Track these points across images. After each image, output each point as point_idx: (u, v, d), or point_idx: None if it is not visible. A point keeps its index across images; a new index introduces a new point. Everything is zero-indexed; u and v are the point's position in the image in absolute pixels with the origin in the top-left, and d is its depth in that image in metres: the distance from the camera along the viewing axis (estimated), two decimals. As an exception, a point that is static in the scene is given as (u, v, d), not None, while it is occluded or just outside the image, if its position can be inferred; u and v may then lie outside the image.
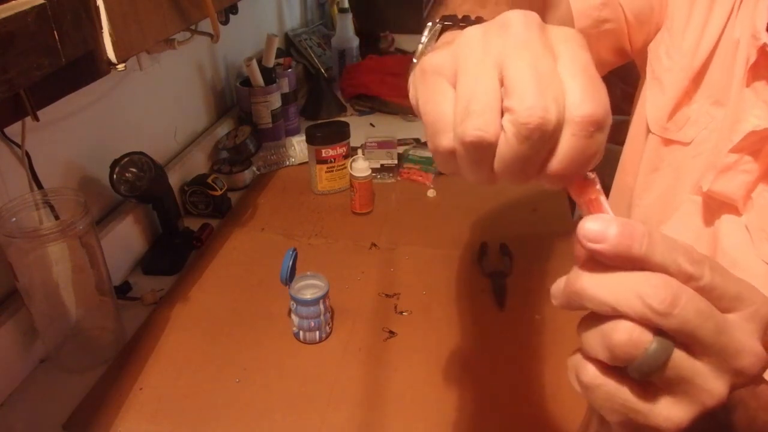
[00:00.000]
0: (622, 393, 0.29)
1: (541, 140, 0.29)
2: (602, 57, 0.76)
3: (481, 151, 0.30)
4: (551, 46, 0.30)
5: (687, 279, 0.28)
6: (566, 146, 0.29)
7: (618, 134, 0.85)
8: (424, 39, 0.42)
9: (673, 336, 0.27)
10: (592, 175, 0.31)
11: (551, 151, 0.30)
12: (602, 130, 0.29)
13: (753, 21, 0.61)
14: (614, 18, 0.72)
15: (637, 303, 0.27)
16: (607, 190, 0.88)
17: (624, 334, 0.27)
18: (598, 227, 0.28)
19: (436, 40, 0.42)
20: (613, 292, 0.28)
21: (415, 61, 0.42)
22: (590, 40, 0.77)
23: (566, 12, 0.71)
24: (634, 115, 0.80)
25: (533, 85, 0.28)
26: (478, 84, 0.29)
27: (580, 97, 0.29)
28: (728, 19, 0.66)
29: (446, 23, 0.42)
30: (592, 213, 0.31)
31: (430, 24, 0.43)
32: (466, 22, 0.42)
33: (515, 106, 0.28)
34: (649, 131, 0.75)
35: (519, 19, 0.30)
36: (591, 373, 0.29)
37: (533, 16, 0.31)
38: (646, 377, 0.28)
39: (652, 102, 0.73)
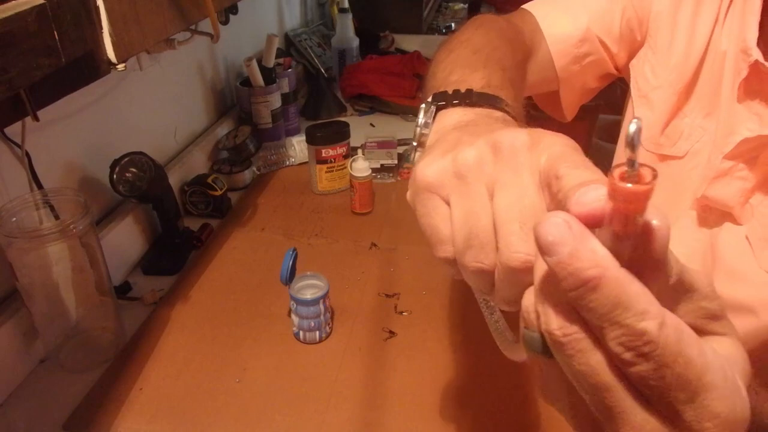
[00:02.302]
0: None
1: (529, 276, 0.29)
2: (588, 86, 0.77)
3: (482, 275, 0.32)
4: (539, 164, 0.30)
5: (610, 355, 0.24)
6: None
7: (616, 133, 0.85)
8: (420, 120, 0.43)
9: None
10: None
11: None
12: None
13: (742, 35, 0.61)
14: (594, 51, 0.72)
15: (540, 305, 0.26)
16: None
17: (526, 303, 0.28)
18: (553, 236, 0.24)
19: (433, 120, 0.43)
20: (538, 278, 0.26)
21: (414, 144, 0.42)
22: (574, 75, 0.78)
23: (546, 53, 0.72)
24: (622, 130, 0.80)
25: (517, 229, 0.29)
26: (477, 220, 0.31)
27: None
28: (713, 29, 0.66)
29: (440, 103, 0.43)
30: None
31: (423, 105, 0.43)
32: (458, 98, 0.43)
33: (501, 249, 0.30)
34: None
35: (508, 143, 0.31)
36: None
37: (520, 137, 0.31)
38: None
39: (642, 121, 0.73)
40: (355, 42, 1.79)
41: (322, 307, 0.82)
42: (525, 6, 0.74)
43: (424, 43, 1.89)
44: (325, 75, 1.73)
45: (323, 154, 1.19)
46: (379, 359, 0.81)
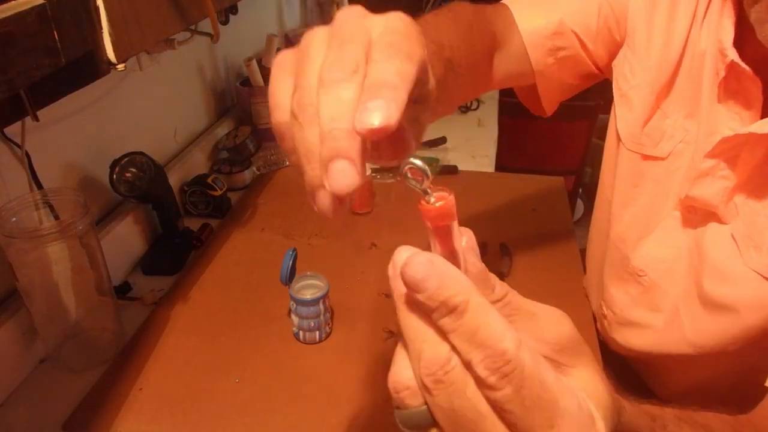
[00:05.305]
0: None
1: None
2: (567, 81, 0.77)
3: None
4: (369, 35, 0.30)
5: (479, 381, 0.25)
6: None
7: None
8: None
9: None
10: (448, 196, 0.28)
11: None
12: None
13: (719, 36, 0.62)
14: (569, 45, 0.72)
15: (416, 359, 0.26)
16: (594, 186, 0.88)
17: (394, 386, 0.27)
18: (420, 275, 0.25)
19: None
20: (412, 333, 0.27)
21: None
22: (549, 69, 0.79)
23: (519, 45, 0.72)
24: (608, 130, 0.80)
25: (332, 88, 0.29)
26: (306, 80, 0.30)
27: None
28: (690, 29, 0.66)
29: None
30: (438, 243, 0.29)
31: None
32: None
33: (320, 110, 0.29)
34: (620, 146, 0.75)
35: (342, 14, 0.31)
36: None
37: (356, 9, 0.31)
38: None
39: (622, 120, 0.73)
40: (355, 42, 1.78)
41: (322, 307, 0.82)
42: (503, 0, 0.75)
43: (424, 43, 1.89)
44: (325, 75, 1.73)
45: (323, 154, 1.19)
46: (379, 359, 0.81)
